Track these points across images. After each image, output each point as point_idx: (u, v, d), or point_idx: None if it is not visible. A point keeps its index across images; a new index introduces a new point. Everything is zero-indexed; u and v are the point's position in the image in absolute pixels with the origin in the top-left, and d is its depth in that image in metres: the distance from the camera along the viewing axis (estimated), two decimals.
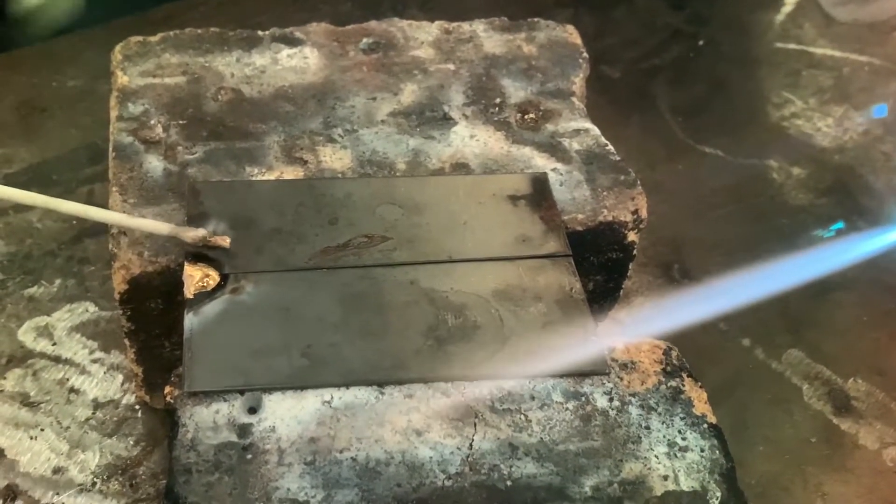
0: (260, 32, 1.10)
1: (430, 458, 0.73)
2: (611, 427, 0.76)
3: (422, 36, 1.12)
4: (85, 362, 1.06)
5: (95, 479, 0.96)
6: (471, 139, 1.00)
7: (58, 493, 0.95)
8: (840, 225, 1.34)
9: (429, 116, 1.02)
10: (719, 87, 1.57)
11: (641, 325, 0.98)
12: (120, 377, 1.05)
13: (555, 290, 0.85)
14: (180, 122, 0.99)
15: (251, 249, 0.86)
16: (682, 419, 0.77)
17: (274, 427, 0.74)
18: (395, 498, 0.71)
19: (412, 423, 0.75)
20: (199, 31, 1.10)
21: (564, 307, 0.84)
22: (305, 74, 1.06)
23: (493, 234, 0.89)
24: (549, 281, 0.86)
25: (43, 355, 1.06)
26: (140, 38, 1.08)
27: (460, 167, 0.97)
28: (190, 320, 0.79)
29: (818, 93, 1.55)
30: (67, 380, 1.04)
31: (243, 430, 0.74)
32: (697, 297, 1.16)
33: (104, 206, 0.93)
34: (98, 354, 1.06)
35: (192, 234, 0.83)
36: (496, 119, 1.03)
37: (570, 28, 1.16)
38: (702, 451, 0.76)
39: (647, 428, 0.76)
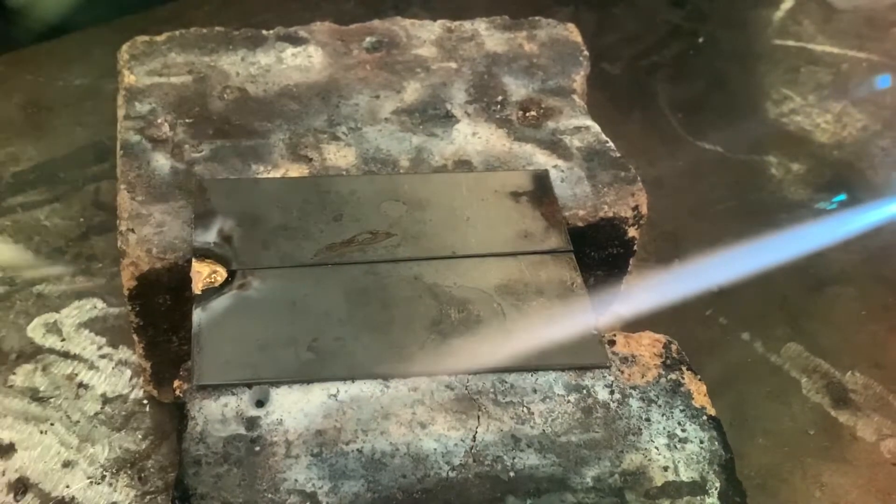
0: (264, 32, 1.12)
1: (435, 449, 0.74)
2: (612, 419, 0.78)
3: (424, 34, 1.14)
4: (93, 358, 1.07)
5: (104, 473, 0.97)
6: (473, 136, 1.01)
7: (67, 487, 0.96)
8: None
9: (431, 114, 1.04)
10: (719, 84, 1.58)
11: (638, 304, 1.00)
12: (128, 372, 1.06)
13: (556, 284, 0.86)
14: (187, 120, 1.00)
15: (258, 246, 0.87)
16: (681, 411, 0.79)
17: (281, 420, 0.75)
18: (401, 489, 0.72)
19: (417, 415, 0.76)
20: (205, 30, 1.11)
21: (566, 302, 0.85)
22: (310, 73, 1.07)
23: (495, 230, 0.91)
24: (550, 276, 0.87)
25: (52, 351, 1.07)
26: (146, 37, 1.09)
27: (463, 164, 0.98)
28: (198, 315, 0.81)
29: (817, 89, 1.56)
30: (76, 375, 1.05)
31: (251, 422, 0.75)
32: (690, 275, 1.17)
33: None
34: (106, 350, 1.08)
35: None
36: (498, 116, 1.04)
37: (571, 26, 1.18)
38: (701, 442, 0.77)
39: (648, 420, 0.78)
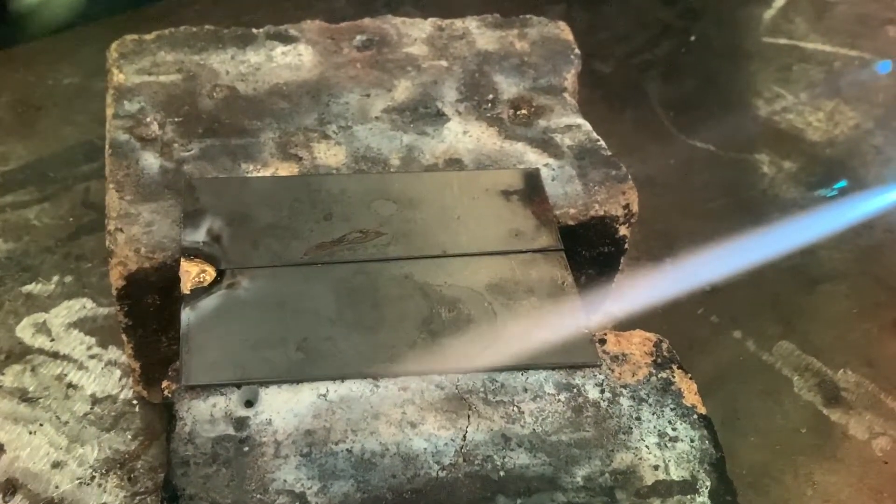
0: (254, 30, 1.11)
1: (425, 449, 0.74)
2: (602, 418, 0.77)
3: (415, 33, 1.13)
4: (83, 358, 1.07)
5: (94, 474, 0.97)
6: (464, 135, 1.01)
7: (57, 487, 0.96)
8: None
9: (422, 112, 1.03)
10: (711, 82, 1.58)
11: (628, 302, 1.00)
12: (118, 372, 1.05)
13: (547, 283, 0.86)
14: (176, 119, 1.00)
15: (247, 245, 0.87)
16: (672, 410, 0.79)
17: (270, 420, 0.75)
18: (391, 489, 0.72)
19: (407, 415, 0.76)
20: (194, 29, 1.11)
21: (556, 300, 0.85)
22: (300, 71, 1.07)
23: (486, 229, 0.90)
24: (541, 275, 0.87)
25: (41, 351, 1.07)
26: (135, 36, 1.09)
27: (453, 163, 0.98)
28: (187, 315, 0.80)
29: (809, 87, 1.57)
30: (65, 375, 1.05)
31: (240, 423, 0.75)
32: (682, 273, 1.18)
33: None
34: (96, 350, 1.07)
35: None
36: (489, 115, 1.04)
37: (562, 24, 1.17)
38: (692, 441, 0.77)
39: (638, 419, 0.78)
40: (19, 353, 1.07)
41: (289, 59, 1.08)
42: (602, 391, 0.79)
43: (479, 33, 1.14)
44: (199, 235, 0.87)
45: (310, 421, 0.75)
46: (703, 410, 0.79)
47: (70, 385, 1.04)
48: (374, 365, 0.79)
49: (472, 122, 1.03)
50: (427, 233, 0.90)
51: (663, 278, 1.17)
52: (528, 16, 1.18)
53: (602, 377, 0.80)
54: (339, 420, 0.75)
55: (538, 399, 0.78)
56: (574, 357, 0.81)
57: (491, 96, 1.06)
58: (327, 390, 0.77)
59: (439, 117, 1.03)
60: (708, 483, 0.74)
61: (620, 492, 0.73)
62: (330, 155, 0.98)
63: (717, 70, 1.60)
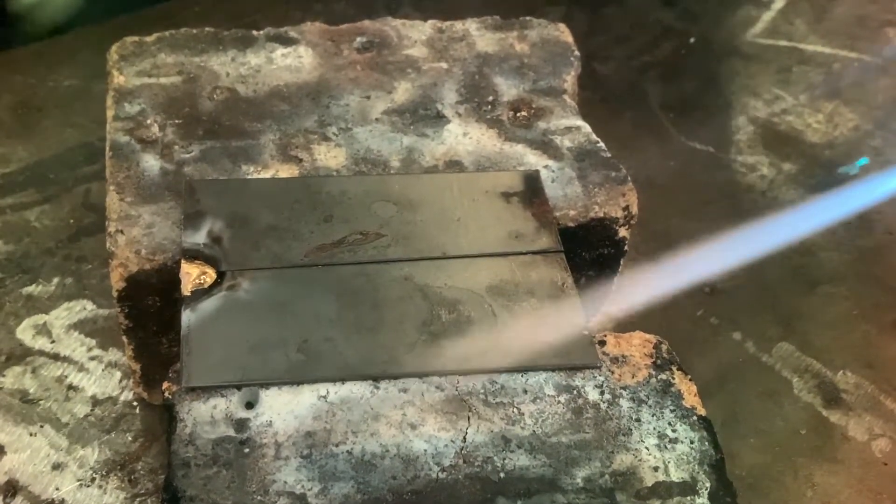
0: (255, 32, 1.11)
1: (425, 450, 0.74)
2: (602, 419, 0.77)
3: (415, 35, 1.14)
4: (83, 359, 1.07)
5: (94, 475, 0.97)
6: (464, 137, 1.01)
7: (57, 489, 0.96)
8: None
9: (422, 114, 1.03)
10: (710, 84, 1.58)
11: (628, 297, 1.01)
12: (118, 374, 1.06)
13: (547, 285, 0.86)
14: (176, 121, 1.00)
15: (247, 247, 0.87)
16: (672, 411, 0.79)
17: (271, 421, 0.75)
18: (391, 490, 0.72)
19: (407, 416, 0.76)
20: (195, 31, 1.11)
21: (556, 302, 0.85)
22: (300, 73, 1.07)
23: (486, 231, 0.91)
24: (541, 276, 0.87)
25: (41, 353, 1.07)
26: (136, 38, 1.09)
27: (453, 164, 0.98)
28: (187, 317, 0.80)
29: (808, 89, 1.57)
30: (66, 377, 1.05)
31: (240, 424, 0.75)
32: (681, 275, 1.18)
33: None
34: (96, 352, 1.07)
35: None
36: (489, 117, 1.04)
37: (562, 26, 1.17)
38: (691, 442, 0.77)
39: (638, 420, 0.78)
40: (20, 355, 1.07)
41: (289, 60, 1.08)
42: (602, 393, 0.79)
43: (479, 35, 1.15)
44: (199, 237, 0.87)
45: (310, 422, 0.75)
46: (702, 412, 0.79)
47: (70, 387, 1.04)
48: (374, 366, 0.79)
49: (471, 124, 1.03)
50: (427, 234, 0.90)
51: (663, 280, 1.17)
52: (527, 18, 1.18)
53: (602, 379, 0.80)
54: (339, 421, 0.75)
55: (538, 400, 0.78)
56: (574, 358, 0.81)
57: (491, 98, 1.06)
58: (327, 392, 0.77)
59: (439, 119, 1.03)
60: (708, 484, 0.74)
61: (620, 493, 0.73)
62: (330, 157, 0.98)
63: (717, 72, 1.60)
